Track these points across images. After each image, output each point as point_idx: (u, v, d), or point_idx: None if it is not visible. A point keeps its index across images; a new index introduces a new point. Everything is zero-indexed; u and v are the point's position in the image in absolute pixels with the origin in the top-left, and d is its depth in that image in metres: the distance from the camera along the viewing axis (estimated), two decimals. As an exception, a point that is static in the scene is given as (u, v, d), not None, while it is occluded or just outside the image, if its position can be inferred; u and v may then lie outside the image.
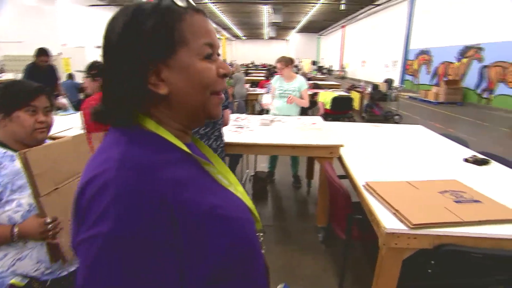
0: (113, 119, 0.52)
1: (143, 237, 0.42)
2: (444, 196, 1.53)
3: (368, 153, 2.34)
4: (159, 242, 0.43)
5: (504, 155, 5.02)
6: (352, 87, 9.37)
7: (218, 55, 0.56)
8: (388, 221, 1.35)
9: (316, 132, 2.68)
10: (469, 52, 11.38)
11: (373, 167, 2.04)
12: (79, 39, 14.60)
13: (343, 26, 26.53)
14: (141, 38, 0.48)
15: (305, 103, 3.56)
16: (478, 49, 10.94)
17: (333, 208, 1.96)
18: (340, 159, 2.27)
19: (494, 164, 2.15)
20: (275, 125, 2.98)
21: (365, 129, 3.20)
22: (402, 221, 1.34)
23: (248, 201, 0.61)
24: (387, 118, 8.09)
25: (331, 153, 2.31)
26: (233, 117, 3.23)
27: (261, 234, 0.65)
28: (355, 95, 8.52)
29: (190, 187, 0.49)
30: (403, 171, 2.00)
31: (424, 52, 14.47)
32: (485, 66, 10.60)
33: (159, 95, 0.51)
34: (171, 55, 0.50)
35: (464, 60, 11.66)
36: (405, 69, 16.04)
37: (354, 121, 6.82)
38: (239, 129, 2.83)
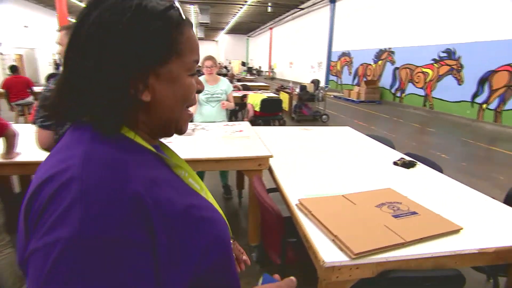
0: (75, 116, 0.48)
1: (115, 238, 0.37)
2: (382, 210, 1.40)
3: (299, 161, 2.17)
4: (133, 244, 0.38)
5: (418, 150, 5.33)
6: (281, 88, 9.47)
7: None
8: (326, 252, 1.15)
9: (243, 141, 2.42)
10: (383, 55, 12.42)
11: (305, 178, 1.86)
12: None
13: (270, 28, 27.16)
14: (141, 39, 0.45)
15: (233, 106, 3.33)
16: (391, 52, 11.99)
17: (265, 229, 1.73)
18: (270, 170, 2.05)
19: (419, 166, 2.15)
20: (197, 135, 2.63)
21: (295, 133, 3.06)
22: (342, 250, 1.14)
23: (218, 207, 0.59)
24: (316, 117, 8.33)
25: (259, 165, 2.08)
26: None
27: (232, 241, 0.64)
28: (284, 96, 8.60)
29: (165, 187, 0.47)
30: (336, 179, 1.86)
31: (345, 54, 15.44)
32: (397, 68, 11.65)
33: (139, 101, 0.48)
34: (163, 63, 0.49)
35: (380, 62, 12.69)
36: (329, 70, 16.96)
37: (284, 122, 6.82)
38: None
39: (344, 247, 1.13)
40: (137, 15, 0.45)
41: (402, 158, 2.21)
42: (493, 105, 8.00)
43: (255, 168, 2.08)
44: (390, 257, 1.14)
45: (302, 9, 18.19)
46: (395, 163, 2.16)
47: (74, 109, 0.47)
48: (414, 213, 1.39)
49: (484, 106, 8.21)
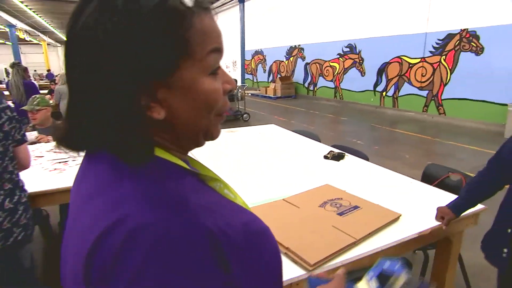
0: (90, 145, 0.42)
1: (199, 284, 0.33)
2: (326, 210, 1.36)
3: (231, 168, 2.04)
4: (219, 285, 0.35)
5: (336, 139, 5.65)
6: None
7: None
8: (280, 267, 1.03)
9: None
10: (294, 52, 13.09)
11: (240, 186, 1.74)
12: None
13: (181, 29, 26.40)
14: (136, 48, 0.35)
15: None
16: (300, 49, 12.69)
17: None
18: (203, 180, 1.87)
19: (348, 157, 2.21)
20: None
21: (221, 137, 2.89)
22: (297, 262, 1.05)
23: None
24: (237, 117, 8.32)
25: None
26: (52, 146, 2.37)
27: None
28: (204, 97, 8.38)
29: (219, 210, 0.41)
30: (273, 182, 1.79)
31: (258, 52, 15.86)
32: (307, 63, 12.39)
33: (153, 120, 0.39)
34: (171, 72, 0.38)
35: (291, 58, 13.34)
36: (245, 68, 17.21)
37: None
38: (61, 165, 2.03)
39: (299, 259, 1.04)
40: (126, 18, 0.35)
41: (331, 151, 2.25)
42: (390, 92, 9.06)
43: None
44: (345, 259, 1.08)
45: (212, 9, 18.03)
46: (325, 157, 2.18)
47: (86, 138, 0.41)
48: (356, 207, 1.38)
49: (384, 93, 9.25)
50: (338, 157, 2.16)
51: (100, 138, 0.40)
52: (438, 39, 7.57)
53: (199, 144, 0.48)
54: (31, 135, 2.48)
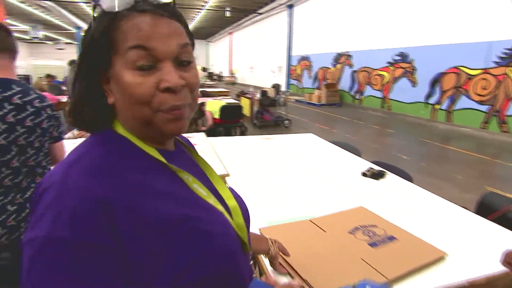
0: (87, 124, 0.53)
1: (79, 241, 0.40)
2: (356, 237, 1.19)
3: (260, 178, 1.93)
4: (98, 247, 0.40)
5: (380, 152, 5.26)
6: (242, 94, 9.26)
7: (187, 62, 0.51)
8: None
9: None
10: (341, 59, 12.69)
11: (267, 199, 1.62)
12: None
13: (230, 33, 27.00)
14: (89, 46, 0.49)
15: None
16: (348, 56, 12.27)
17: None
18: (227, 190, 1.78)
19: (389, 176, 2.00)
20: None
21: (255, 144, 2.82)
22: (313, 302, 0.90)
23: (237, 218, 0.58)
24: (278, 123, 8.21)
25: (214, 185, 1.80)
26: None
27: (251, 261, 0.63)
28: (245, 102, 8.40)
29: (152, 195, 0.47)
30: (302, 198, 1.64)
31: (304, 58, 15.64)
32: (355, 71, 11.94)
33: (107, 104, 0.51)
34: (109, 65, 0.49)
35: (338, 65, 12.96)
36: (290, 74, 17.08)
37: (246, 129, 6.58)
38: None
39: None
40: (89, 27, 0.50)
41: (371, 168, 2.05)
42: (444, 105, 8.38)
43: (209, 189, 1.78)
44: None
45: (260, 13, 18.20)
46: (364, 174, 1.99)
47: (78, 117, 0.53)
48: (392, 238, 1.19)
49: (437, 106, 8.58)
50: (377, 175, 1.96)
51: (86, 117, 0.52)
52: (506, 49, 6.83)
53: (155, 136, 0.53)
54: (71, 131, 2.58)
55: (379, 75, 10.66)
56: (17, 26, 22.47)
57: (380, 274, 0.99)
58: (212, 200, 0.55)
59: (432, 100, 8.71)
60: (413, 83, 9.31)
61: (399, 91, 9.86)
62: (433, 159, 5.51)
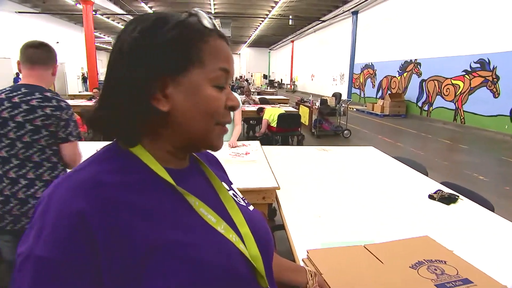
0: (112, 132, 0.51)
1: (56, 259, 0.40)
2: (420, 275, 1.03)
3: (313, 194, 1.83)
4: (73, 265, 0.40)
5: (450, 170, 4.76)
6: (301, 102, 9.14)
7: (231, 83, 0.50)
8: None
9: (247, 167, 2.10)
10: (409, 67, 11.88)
11: (318, 215, 1.51)
12: (4, 49, 13.08)
13: (292, 41, 27.08)
14: (156, 47, 0.46)
15: (240, 129, 2.94)
16: (417, 64, 11.44)
17: None
18: (277, 203, 1.72)
19: (462, 202, 1.75)
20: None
21: (311, 155, 2.72)
22: None
23: (251, 246, 0.53)
24: (337, 133, 7.92)
25: (263, 198, 1.75)
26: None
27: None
28: (304, 110, 8.27)
29: (140, 215, 0.44)
30: (358, 218, 1.51)
31: (368, 66, 14.98)
32: (424, 80, 11.07)
33: (158, 111, 0.48)
34: (182, 71, 0.48)
35: (405, 74, 12.14)
36: (352, 82, 16.49)
37: (303, 138, 6.46)
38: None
39: None
40: (155, 25, 0.47)
41: (439, 190, 1.82)
42: (535, 120, 7.30)
43: (258, 202, 1.74)
44: None
45: (324, 21, 17.93)
46: (430, 197, 1.77)
47: (107, 125, 0.49)
48: (466, 281, 1.00)
49: (525, 121, 7.51)
50: (448, 200, 1.73)
51: (114, 121, 0.48)
52: None
53: (196, 149, 0.54)
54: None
55: (453, 84, 9.71)
56: (102, 38, 25.29)
57: None
58: (222, 227, 0.51)
59: (519, 113, 7.65)
60: (495, 94, 8.28)
61: (477, 103, 8.86)
62: (517, 182, 4.80)
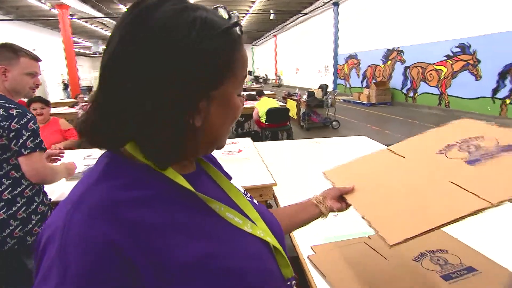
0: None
1: None
2: (423, 267, 1.00)
3: (310, 186, 1.81)
4: None
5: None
6: (288, 96, 9.14)
7: None
8: None
9: (241, 164, 2.07)
10: (392, 55, 12.00)
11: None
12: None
13: (274, 35, 27.03)
14: (202, 59, 0.41)
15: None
16: (400, 51, 11.57)
17: None
18: (275, 200, 1.70)
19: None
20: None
21: (303, 148, 2.70)
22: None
23: (272, 239, 0.52)
24: (326, 124, 7.95)
25: (260, 196, 1.72)
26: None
27: (294, 282, 0.54)
28: (292, 104, 8.27)
29: (171, 232, 0.41)
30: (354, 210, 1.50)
31: (352, 56, 15.08)
32: (407, 67, 11.21)
33: (192, 128, 0.43)
34: (218, 86, 0.44)
35: (389, 62, 12.27)
36: (337, 73, 16.58)
37: (292, 132, 6.45)
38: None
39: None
40: (201, 32, 0.40)
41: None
42: (516, 100, 7.49)
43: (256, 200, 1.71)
44: None
45: (305, 14, 17.93)
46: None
47: (115, 138, 0.43)
48: (471, 269, 0.98)
49: (507, 101, 7.70)
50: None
51: (126, 139, 0.43)
52: None
53: (210, 151, 0.52)
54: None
55: (436, 70, 9.86)
56: (82, 42, 24.71)
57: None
58: (248, 226, 0.50)
59: (501, 94, 7.82)
60: (477, 77, 8.45)
61: (460, 86, 9.02)
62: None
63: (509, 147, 0.71)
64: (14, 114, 1.33)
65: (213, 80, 0.42)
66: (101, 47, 21.45)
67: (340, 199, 0.85)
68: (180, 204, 0.44)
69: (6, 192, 1.35)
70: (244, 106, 3.61)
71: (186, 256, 0.40)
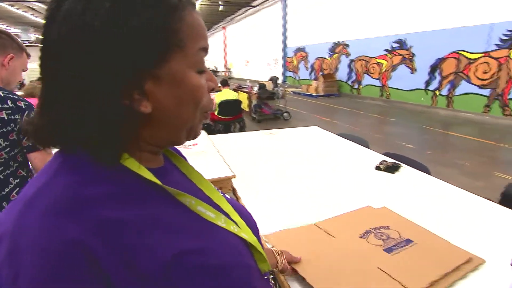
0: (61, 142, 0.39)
1: None
2: (368, 242, 1.07)
3: (268, 177, 1.81)
4: None
5: (385, 142, 5.16)
6: (239, 88, 9.10)
7: None
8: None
9: (197, 158, 2.00)
10: (338, 48, 12.52)
11: (272, 198, 1.50)
12: None
13: (223, 28, 26.70)
14: (128, 36, 0.35)
15: None
16: (345, 45, 12.10)
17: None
18: (234, 193, 1.66)
19: (404, 169, 1.88)
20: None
21: (258, 140, 2.70)
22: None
23: (248, 233, 0.50)
24: (277, 116, 8.08)
25: (221, 189, 1.66)
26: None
27: (271, 276, 0.56)
28: (243, 96, 8.25)
29: (141, 227, 0.37)
30: (313, 196, 1.53)
31: (300, 49, 15.45)
32: (352, 60, 11.79)
33: (138, 114, 0.38)
34: (161, 62, 0.38)
35: (335, 55, 12.79)
36: (286, 66, 16.90)
37: (245, 124, 6.45)
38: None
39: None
40: (120, 5, 0.35)
41: (384, 161, 1.93)
42: (444, 91, 8.26)
43: (215, 192, 1.66)
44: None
45: (254, 6, 17.94)
46: (377, 168, 1.87)
47: (59, 133, 0.38)
48: (408, 241, 1.07)
49: (437, 92, 8.46)
50: (392, 169, 1.84)
51: (76, 133, 0.37)
52: (508, 30, 6.68)
53: (179, 141, 0.46)
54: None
55: (377, 63, 10.51)
56: (7, 29, 22.11)
57: (402, 286, 0.87)
58: (222, 221, 0.47)
59: (432, 86, 8.59)
60: (412, 70, 9.17)
61: (398, 79, 9.73)
62: (438, 147, 5.41)
63: (408, 240, 1.07)
64: (23, 107, 1.23)
65: (149, 59, 0.37)
66: (32, 35, 19.41)
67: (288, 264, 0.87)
68: (149, 199, 0.41)
69: (14, 192, 1.27)
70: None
71: (163, 253, 0.37)
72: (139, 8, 0.36)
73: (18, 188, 1.28)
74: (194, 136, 0.47)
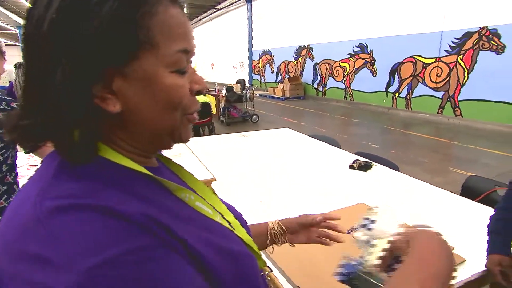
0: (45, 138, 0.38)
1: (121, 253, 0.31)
2: (354, 237, 1.12)
3: (247, 179, 1.82)
4: (152, 248, 0.33)
5: (351, 142, 5.36)
6: (207, 91, 9.02)
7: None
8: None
9: (175, 161, 1.97)
10: (303, 52, 12.84)
11: (251, 199, 1.51)
12: None
13: (188, 30, 26.35)
14: (88, 30, 0.33)
15: None
16: (309, 49, 12.44)
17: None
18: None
19: (376, 167, 1.97)
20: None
21: (233, 142, 2.70)
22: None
23: (242, 233, 0.50)
24: (246, 118, 8.10)
25: (201, 192, 1.66)
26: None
27: (267, 272, 0.56)
28: (211, 99, 8.19)
29: (175, 221, 0.38)
30: (293, 197, 1.56)
31: (266, 52, 15.64)
32: (317, 64, 12.13)
33: (107, 114, 0.37)
34: (129, 60, 0.36)
35: (300, 58, 13.09)
36: (252, 69, 17.02)
37: (214, 127, 6.40)
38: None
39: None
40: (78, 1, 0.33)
41: (357, 160, 2.02)
42: (403, 93, 8.76)
43: (195, 196, 1.64)
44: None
45: (219, 9, 17.91)
46: (351, 167, 1.95)
47: (28, 133, 0.37)
48: (367, 219, 1.14)
49: (397, 94, 8.95)
50: (365, 167, 1.93)
51: (45, 134, 0.37)
52: (455, 38, 7.25)
53: (165, 145, 0.45)
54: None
55: (341, 66, 10.91)
56: None
57: None
58: (218, 218, 0.48)
59: (392, 88, 9.07)
60: (373, 73, 9.62)
61: (361, 82, 10.16)
62: (400, 146, 5.72)
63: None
64: (17, 108, 1.13)
65: (114, 55, 0.35)
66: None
67: (301, 230, 0.79)
68: (153, 196, 0.40)
69: (3, 199, 1.25)
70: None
71: (195, 242, 0.39)
72: (98, 3, 0.34)
73: (5, 196, 1.25)
74: (181, 139, 0.45)
